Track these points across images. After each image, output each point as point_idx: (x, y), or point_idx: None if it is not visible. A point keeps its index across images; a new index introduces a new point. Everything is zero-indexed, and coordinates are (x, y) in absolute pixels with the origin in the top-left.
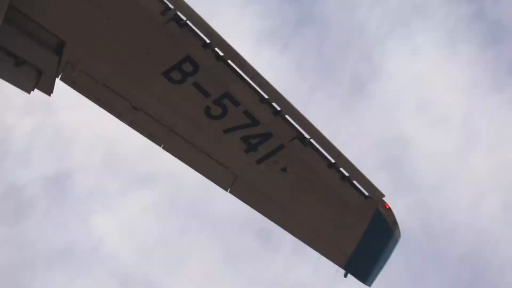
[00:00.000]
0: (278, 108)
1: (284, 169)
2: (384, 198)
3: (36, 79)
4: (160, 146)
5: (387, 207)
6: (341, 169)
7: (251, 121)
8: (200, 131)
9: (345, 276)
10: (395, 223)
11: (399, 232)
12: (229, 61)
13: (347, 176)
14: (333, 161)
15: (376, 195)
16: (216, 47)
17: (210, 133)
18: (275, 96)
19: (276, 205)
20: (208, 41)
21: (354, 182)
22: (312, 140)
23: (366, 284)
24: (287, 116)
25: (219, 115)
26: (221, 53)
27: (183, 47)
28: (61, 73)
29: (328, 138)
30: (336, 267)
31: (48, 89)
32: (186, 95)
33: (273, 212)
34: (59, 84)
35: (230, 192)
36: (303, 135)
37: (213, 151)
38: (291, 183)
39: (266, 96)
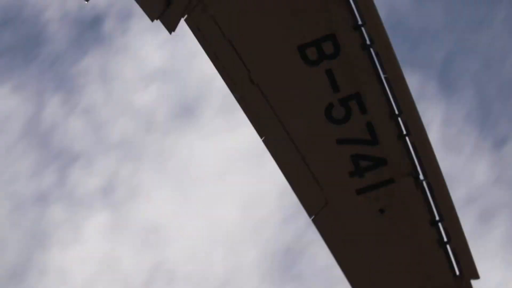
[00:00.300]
0: (404, 131)
1: (382, 210)
2: (473, 281)
3: (163, 9)
4: (260, 137)
5: None
6: (443, 230)
7: (371, 138)
8: (311, 132)
9: None
10: None
11: None
12: (375, 54)
13: (446, 241)
14: (437, 218)
15: (468, 275)
16: (369, 31)
17: (321, 138)
18: (410, 113)
19: (356, 251)
20: (360, 22)
21: (450, 251)
22: (425, 183)
23: None
24: (411, 144)
25: (340, 119)
26: (368, 41)
27: (332, 22)
28: (189, 14)
29: (447, 186)
30: None
31: (171, 25)
32: (314, 82)
33: (349, 259)
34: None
35: (313, 220)
36: (419, 174)
37: (315, 162)
38: (382, 230)
39: (396, 112)
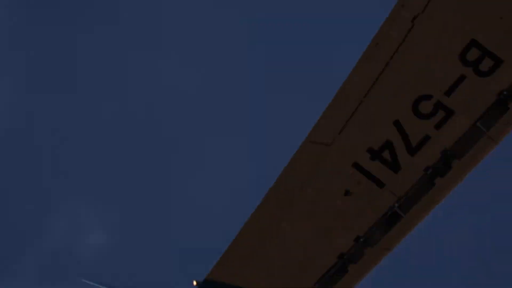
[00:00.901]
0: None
1: (348, 193)
2: None
3: None
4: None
5: None
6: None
7: (414, 148)
8: (395, 91)
9: None
10: None
11: None
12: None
13: (346, 260)
14: (363, 239)
15: None
16: None
17: (393, 103)
18: (461, 167)
19: (295, 193)
20: None
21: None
22: (394, 211)
23: None
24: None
25: (421, 114)
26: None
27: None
28: None
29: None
30: None
31: None
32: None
33: (284, 192)
34: None
35: (306, 142)
36: (400, 201)
37: (364, 111)
38: (328, 204)
39: (449, 152)
